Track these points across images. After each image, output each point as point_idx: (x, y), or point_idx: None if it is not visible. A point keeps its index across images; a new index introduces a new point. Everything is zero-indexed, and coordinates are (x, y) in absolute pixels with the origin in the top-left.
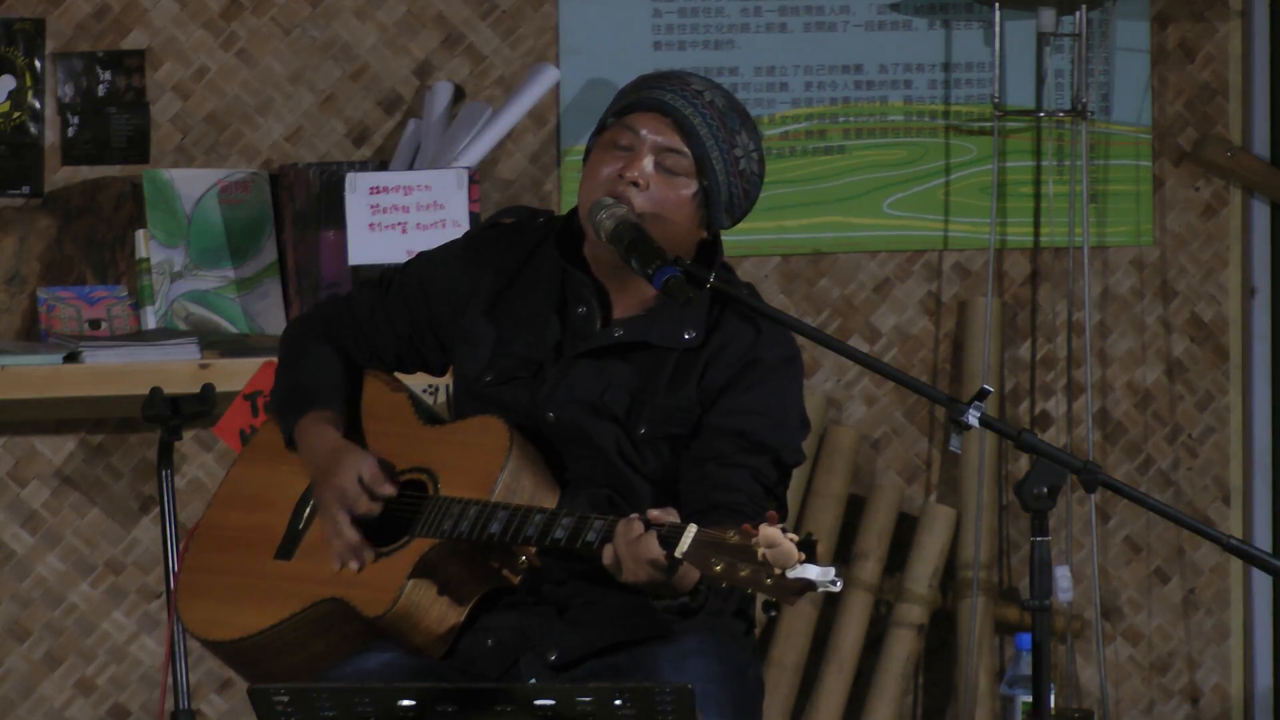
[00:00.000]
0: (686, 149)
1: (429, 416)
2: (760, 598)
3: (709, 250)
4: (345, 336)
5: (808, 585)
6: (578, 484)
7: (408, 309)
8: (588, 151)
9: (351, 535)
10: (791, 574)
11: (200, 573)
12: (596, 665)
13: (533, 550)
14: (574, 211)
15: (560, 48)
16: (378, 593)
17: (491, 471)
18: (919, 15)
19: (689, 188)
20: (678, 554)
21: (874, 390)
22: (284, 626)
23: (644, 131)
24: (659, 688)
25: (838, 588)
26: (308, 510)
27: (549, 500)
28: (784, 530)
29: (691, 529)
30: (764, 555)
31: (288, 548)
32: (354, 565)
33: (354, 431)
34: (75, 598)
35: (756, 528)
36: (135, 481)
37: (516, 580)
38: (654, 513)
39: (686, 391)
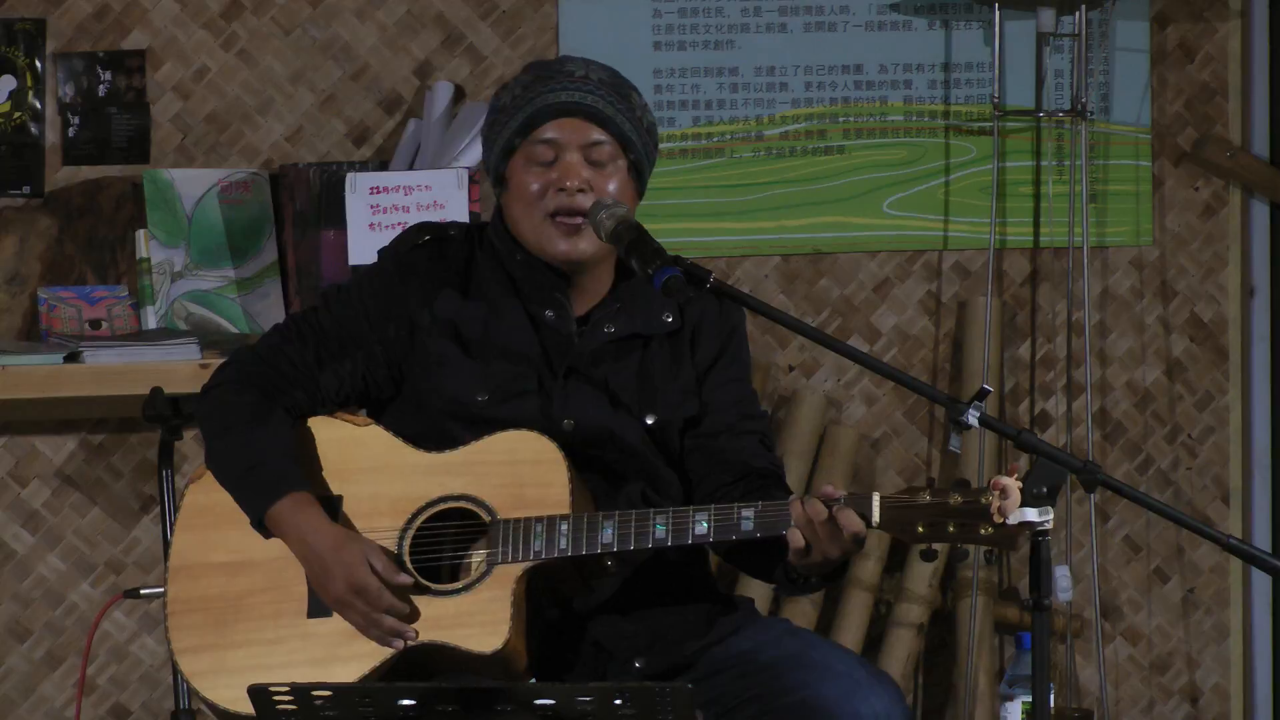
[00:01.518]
0: (606, 136)
1: (418, 443)
2: (980, 550)
3: None
4: (287, 388)
5: (1029, 528)
6: (608, 484)
7: (357, 345)
8: (500, 177)
9: (393, 623)
10: (1013, 520)
11: (213, 650)
12: (702, 666)
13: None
14: (493, 224)
15: (560, 48)
16: (483, 629)
17: (558, 484)
18: (919, 15)
19: (621, 169)
20: (874, 523)
21: (874, 390)
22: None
23: (560, 138)
24: (659, 687)
25: (1051, 525)
26: None
27: (592, 504)
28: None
29: (876, 496)
30: (997, 506)
31: (322, 605)
32: (399, 644)
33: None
34: (76, 597)
35: (996, 480)
36: (136, 481)
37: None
38: (827, 489)
39: (685, 372)
